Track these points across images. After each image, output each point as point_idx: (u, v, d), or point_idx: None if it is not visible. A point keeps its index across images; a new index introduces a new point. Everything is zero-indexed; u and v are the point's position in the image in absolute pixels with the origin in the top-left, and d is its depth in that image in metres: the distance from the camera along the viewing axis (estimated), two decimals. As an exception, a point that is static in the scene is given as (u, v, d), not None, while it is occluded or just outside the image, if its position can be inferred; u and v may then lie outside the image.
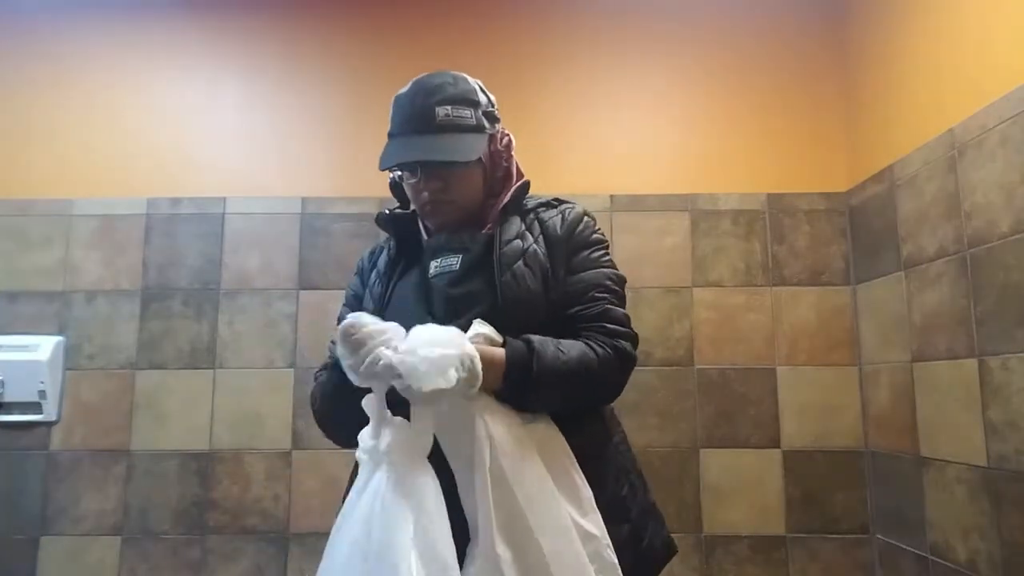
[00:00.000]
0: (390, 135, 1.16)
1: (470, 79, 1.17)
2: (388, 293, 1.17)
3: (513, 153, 1.20)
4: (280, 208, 2.31)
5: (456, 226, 1.15)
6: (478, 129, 1.12)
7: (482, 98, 1.15)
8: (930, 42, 1.89)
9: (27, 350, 2.18)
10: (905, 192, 1.95)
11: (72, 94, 2.38)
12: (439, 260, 1.12)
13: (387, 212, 1.22)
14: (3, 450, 2.17)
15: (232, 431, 2.18)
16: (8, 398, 2.16)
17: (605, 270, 1.12)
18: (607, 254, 1.16)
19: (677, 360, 2.20)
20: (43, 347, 2.19)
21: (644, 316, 2.21)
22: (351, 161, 2.35)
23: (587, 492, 1.00)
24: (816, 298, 2.22)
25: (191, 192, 2.31)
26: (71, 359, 2.22)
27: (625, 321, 1.10)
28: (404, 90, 1.15)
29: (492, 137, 1.15)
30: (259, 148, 2.37)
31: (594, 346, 1.04)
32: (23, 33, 2.40)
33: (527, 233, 1.12)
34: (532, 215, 1.16)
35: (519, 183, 1.18)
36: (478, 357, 0.92)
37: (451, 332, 0.94)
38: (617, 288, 1.13)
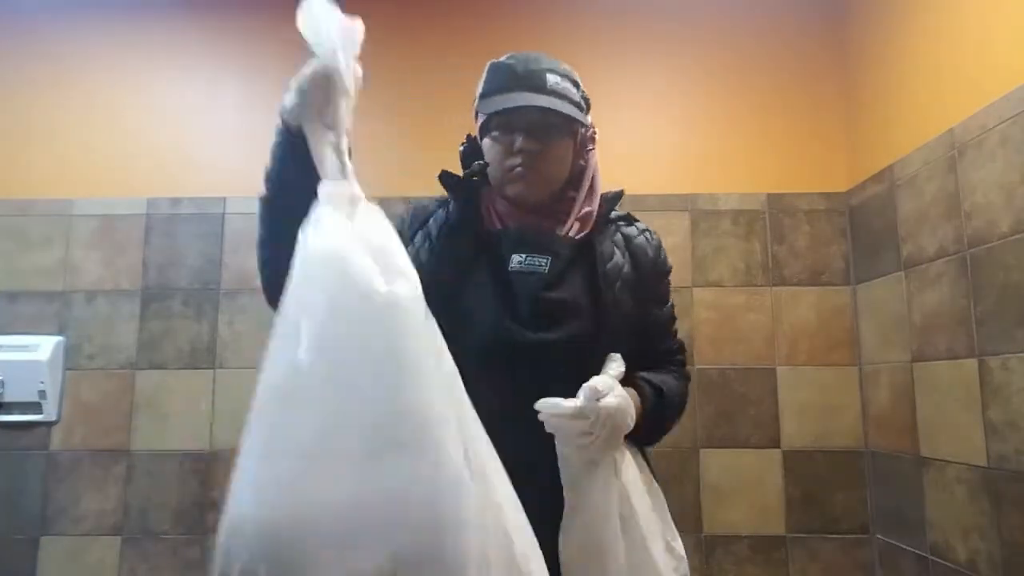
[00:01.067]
0: (489, 93, 1.08)
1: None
2: (443, 268, 1.05)
3: (595, 148, 1.17)
4: (280, 208, 2.30)
5: (537, 204, 1.09)
6: (580, 107, 1.11)
7: (583, 90, 1.15)
8: (930, 42, 1.89)
9: (27, 350, 2.18)
10: (905, 192, 1.95)
11: (72, 94, 2.38)
12: (523, 256, 1.05)
13: (449, 174, 1.13)
14: (3, 450, 2.17)
15: (232, 431, 2.17)
16: (8, 398, 2.16)
17: (671, 300, 1.20)
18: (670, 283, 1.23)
19: (677, 360, 2.20)
20: (43, 347, 2.19)
21: (644, 316, 2.21)
22: (351, 161, 2.34)
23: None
24: (816, 298, 2.22)
25: (191, 192, 2.31)
26: (71, 359, 2.22)
27: (683, 344, 1.22)
28: (504, 58, 1.11)
29: (586, 127, 1.13)
30: (259, 148, 2.33)
31: (680, 378, 1.15)
32: (23, 33, 2.40)
33: (616, 250, 1.11)
34: (614, 227, 1.15)
35: (615, 192, 1.17)
36: (632, 408, 0.97)
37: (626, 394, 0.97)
38: (677, 316, 1.22)
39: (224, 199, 2.31)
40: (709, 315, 2.23)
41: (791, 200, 2.27)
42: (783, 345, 2.21)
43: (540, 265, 1.04)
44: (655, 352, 1.14)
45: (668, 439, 2.15)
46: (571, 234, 1.09)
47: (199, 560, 2.13)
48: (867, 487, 2.13)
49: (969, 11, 1.74)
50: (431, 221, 1.12)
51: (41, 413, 2.17)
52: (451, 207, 1.13)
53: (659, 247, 1.17)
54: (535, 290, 1.04)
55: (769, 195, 2.28)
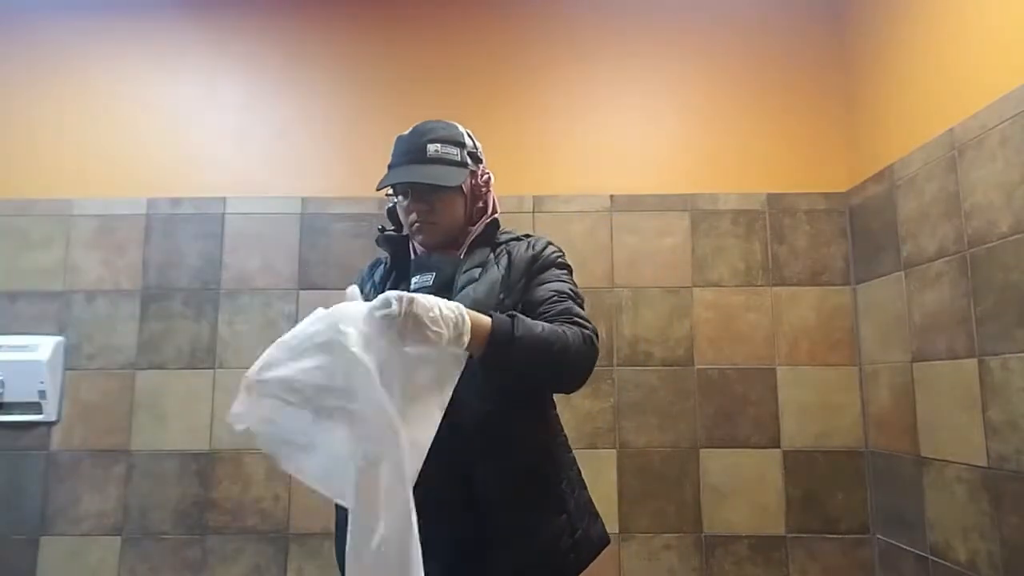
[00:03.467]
0: (389, 166, 1.34)
1: (459, 127, 1.35)
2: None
3: (491, 189, 1.37)
4: (280, 208, 2.31)
5: (439, 246, 1.32)
6: (462, 164, 1.30)
7: (468, 141, 1.34)
8: (930, 42, 1.89)
9: (27, 350, 2.18)
10: (905, 192, 1.95)
11: (72, 94, 2.38)
12: (418, 276, 1.29)
13: (381, 231, 1.41)
14: (3, 450, 2.17)
15: (232, 431, 2.17)
16: (8, 398, 2.16)
17: (568, 284, 1.27)
18: (570, 275, 1.31)
19: (677, 360, 2.20)
20: (43, 347, 2.19)
21: (644, 316, 2.21)
22: (351, 161, 2.35)
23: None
24: (816, 298, 2.22)
25: (191, 192, 2.31)
26: (71, 359, 2.22)
27: (587, 319, 1.21)
28: (404, 132, 1.34)
29: (473, 173, 1.33)
30: (259, 148, 2.37)
31: (564, 328, 1.15)
32: (23, 33, 2.40)
33: (490, 261, 1.29)
34: (503, 247, 1.32)
35: (490, 218, 1.35)
36: (468, 318, 1.04)
37: (450, 302, 1.06)
38: (577, 299, 1.25)
39: (224, 199, 2.31)
40: (709, 315, 2.23)
41: (791, 200, 2.28)
42: (783, 345, 2.21)
43: (427, 282, 1.27)
44: (535, 317, 1.20)
45: (668, 439, 2.18)
46: (460, 255, 1.32)
47: (199, 560, 2.13)
48: (867, 487, 2.13)
49: (969, 11, 1.74)
50: (378, 272, 1.41)
51: (41, 413, 2.17)
52: (387, 260, 1.43)
53: (542, 247, 1.30)
54: None
55: (769, 195, 2.28)
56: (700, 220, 2.28)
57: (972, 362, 1.67)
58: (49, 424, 2.18)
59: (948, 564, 1.76)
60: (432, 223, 1.29)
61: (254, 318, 2.24)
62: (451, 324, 1.00)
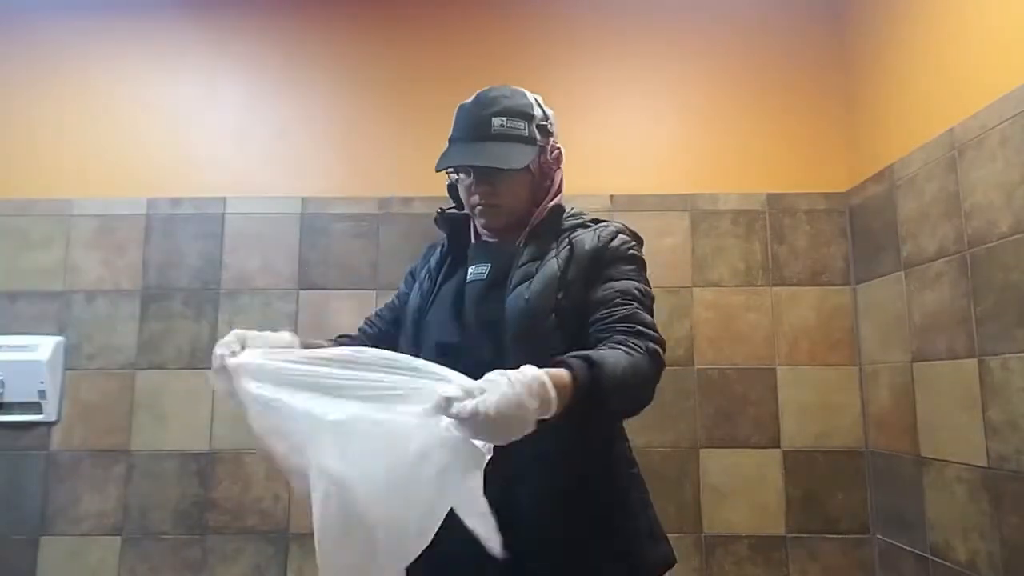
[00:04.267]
0: (451, 140, 1.24)
1: (528, 94, 1.23)
2: (435, 291, 1.25)
3: (561, 166, 1.27)
4: (280, 208, 2.31)
5: (502, 228, 1.23)
6: (530, 140, 1.19)
7: (537, 112, 1.22)
8: (930, 42, 1.89)
9: (27, 350, 2.18)
10: (905, 192, 1.95)
11: (72, 94, 2.38)
12: (474, 267, 1.20)
13: (441, 211, 1.31)
14: (3, 450, 2.17)
15: (232, 431, 2.18)
16: (8, 398, 2.16)
17: (635, 282, 1.13)
18: (639, 271, 1.17)
19: (677, 360, 2.20)
20: (43, 347, 2.19)
21: (644, 316, 2.21)
22: (351, 161, 2.35)
23: None
24: (816, 298, 2.22)
25: (191, 192, 2.31)
26: (71, 359, 2.22)
27: (654, 327, 1.08)
28: (467, 100, 1.24)
29: (543, 148, 1.22)
30: (259, 148, 2.37)
31: (631, 350, 1.01)
32: (23, 34, 2.40)
33: (550, 253, 1.17)
34: (567, 236, 1.20)
35: (552, 205, 1.24)
36: (549, 381, 0.85)
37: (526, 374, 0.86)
38: (645, 300, 1.12)
39: (224, 199, 2.31)
40: (709, 315, 2.23)
41: (791, 200, 2.27)
42: (783, 345, 2.21)
43: (482, 275, 1.18)
44: (596, 322, 1.08)
45: (668, 439, 2.17)
46: (519, 244, 1.21)
47: (199, 560, 2.13)
48: (867, 487, 2.13)
49: (969, 11, 1.74)
50: (434, 257, 1.32)
51: (41, 413, 2.17)
52: (444, 243, 1.33)
53: (609, 237, 1.17)
54: (475, 297, 1.18)
55: (769, 195, 2.28)
56: (700, 220, 2.27)
57: (972, 362, 1.67)
58: (49, 424, 2.18)
59: (948, 564, 1.76)
60: (495, 206, 1.20)
61: (254, 318, 2.24)
62: (534, 408, 0.81)
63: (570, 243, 1.18)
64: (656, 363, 1.03)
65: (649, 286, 1.16)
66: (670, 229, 2.27)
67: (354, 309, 2.23)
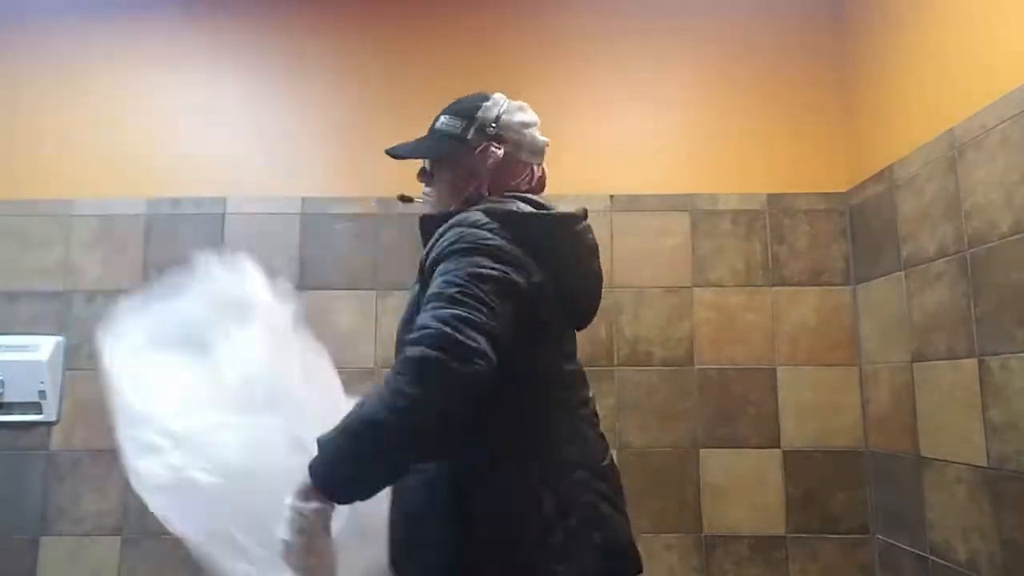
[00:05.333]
0: None
1: (500, 101, 1.22)
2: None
3: (490, 169, 1.18)
4: (280, 208, 2.31)
5: (430, 228, 1.14)
6: (458, 138, 1.19)
7: (486, 115, 1.19)
8: (930, 42, 1.89)
9: (27, 350, 2.18)
10: (905, 192, 1.95)
11: (72, 94, 2.38)
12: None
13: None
14: (3, 450, 2.17)
15: (232, 431, 2.18)
16: (8, 398, 2.16)
17: (444, 278, 0.97)
18: (460, 260, 0.99)
19: (677, 360, 2.20)
20: (43, 347, 2.19)
21: (644, 316, 2.21)
22: (351, 161, 2.35)
23: None
24: (816, 298, 2.22)
25: (191, 192, 2.31)
26: (71, 359, 2.22)
27: (430, 321, 0.91)
28: None
29: (474, 148, 1.18)
30: (259, 148, 2.37)
31: (378, 390, 0.90)
32: (24, 34, 2.40)
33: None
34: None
35: (454, 208, 1.15)
36: (297, 510, 0.92)
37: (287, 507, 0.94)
38: (446, 290, 0.95)
39: (224, 199, 2.31)
40: (709, 315, 2.22)
41: (791, 200, 2.27)
42: (783, 345, 2.21)
43: (415, 291, 1.12)
44: None
45: (668, 439, 2.17)
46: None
47: (199, 560, 2.12)
48: (867, 487, 2.13)
49: (969, 11, 1.74)
50: None
51: (41, 413, 2.17)
52: None
53: (439, 235, 1.06)
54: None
55: (769, 195, 2.28)
56: (700, 220, 2.27)
57: (972, 362, 1.67)
58: (49, 424, 2.18)
59: (948, 564, 1.76)
60: (433, 196, 1.23)
61: (254, 318, 2.23)
62: (305, 536, 0.91)
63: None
64: (409, 372, 0.88)
65: (478, 267, 0.98)
66: (670, 229, 2.27)
67: (354, 309, 2.23)
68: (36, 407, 2.17)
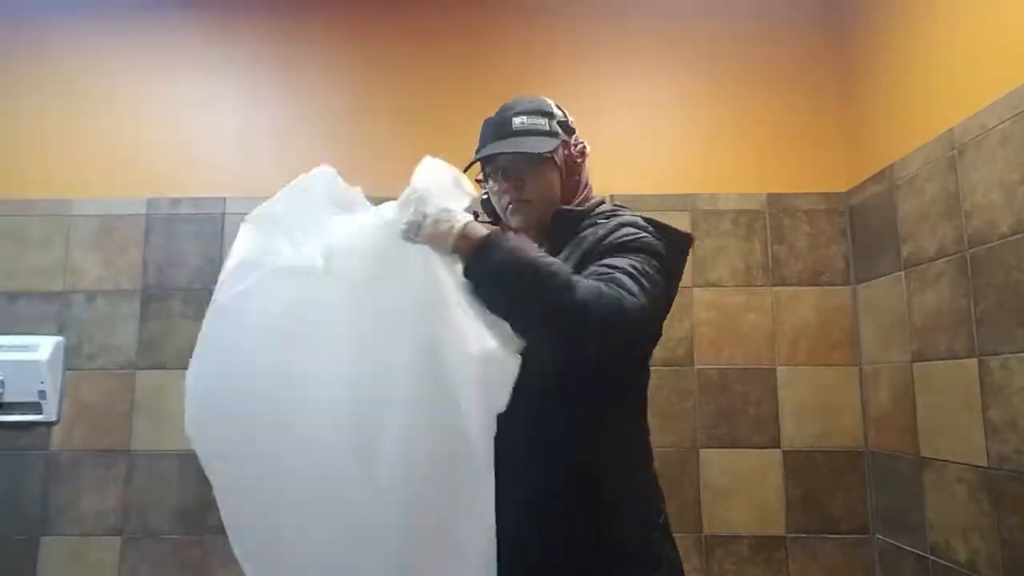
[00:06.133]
0: (476, 151, 1.26)
1: (547, 99, 1.27)
2: None
3: (586, 162, 1.28)
4: (280, 208, 2.30)
5: (535, 227, 1.22)
6: (551, 134, 1.22)
7: (556, 111, 1.26)
8: (930, 42, 1.89)
9: (27, 350, 2.18)
10: (905, 192, 1.95)
11: (72, 94, 2.38)
12: None
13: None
14: (3, 450, 2.17)
15: (232, 431, 2.18)
16: (8, 398, 2.16)
17: (630, 261, 1.05)
18: (642, 256, 1.07)
19: (677, 360, 2.20)
20: (43, 347, 2.19)
21: (644, 316, 2.21)
22: (351, 161, 2.34)
23: None
24: (816, 298, 2.22)
25: (191, 192, 2.31)
26: (71, 359, 2.22)
27: (635, 293, 0.98)
28: (491, 116, 1.28)
29: (566, 143, 1.24)
30: (259, 148, 2.37)
31: (584, 279, 0.98)
32: (24, 35, 2.40)
33: (563, 254, 1.15)
34: (580, 234, 1.18)
35: (569, 207, 1.23)
36: (468, 222, 1.00)
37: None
38: (635, 275, 1.02)
39: (224, 199, 2.31)
40: (709, 315, 2.23)
41: (791, 200, 2.27)
42: (783, 345, 2.21)
43: None
44: None
45: (668, 439, 2.17)
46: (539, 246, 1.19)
47: (199, 560, 2.13)
48: (867, 487, 2.13)
49: (969, 11, 1.74)
50: None
51: (41, 413, 2.17)
52: None
53: (609, 231, 1.13)
54: None
55: (769, 195, 2.28)
56: (700, 220, 2.27)
57: (972, 362, 1.67)
58: (49, 424, 2.18)
59: (948, 564, 1.76)
60: (525, 201, 1.20)
61: (254, 318, 2.23)
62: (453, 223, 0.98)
63: (579, 241, 1.15)
64: (609, 303, 0.95)
65: (655, 271, 1.07)
66: (670, 229, 2.26)
67: (354, 309, 2.23)
68: (36, 407, 2.17)
